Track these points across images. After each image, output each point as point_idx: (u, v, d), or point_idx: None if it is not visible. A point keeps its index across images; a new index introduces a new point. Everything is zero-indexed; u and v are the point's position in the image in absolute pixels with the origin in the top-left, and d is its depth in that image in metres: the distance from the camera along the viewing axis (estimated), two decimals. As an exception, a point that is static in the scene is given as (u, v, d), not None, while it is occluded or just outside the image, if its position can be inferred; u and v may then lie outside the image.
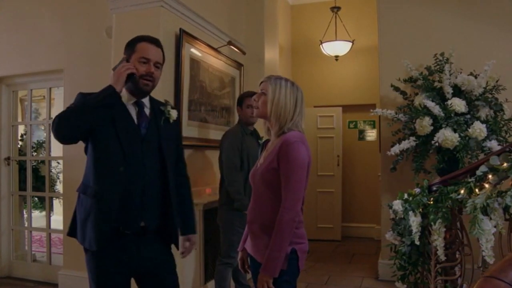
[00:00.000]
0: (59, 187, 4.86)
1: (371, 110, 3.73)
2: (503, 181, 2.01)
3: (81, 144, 2.11)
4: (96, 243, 1.69)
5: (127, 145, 1.73)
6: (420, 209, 2.27)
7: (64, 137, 1.70)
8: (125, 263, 1.75)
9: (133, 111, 1.81)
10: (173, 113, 1.92)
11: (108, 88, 1.70)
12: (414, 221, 2.22)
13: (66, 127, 1.66)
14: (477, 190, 2.01)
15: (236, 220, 2.99)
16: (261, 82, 1.82)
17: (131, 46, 1.81)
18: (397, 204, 2.39)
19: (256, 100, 1.80)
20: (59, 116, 1.67)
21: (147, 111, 1.85)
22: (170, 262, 1.90)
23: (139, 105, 1.83)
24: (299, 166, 1.67)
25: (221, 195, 3.14)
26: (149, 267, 1.82)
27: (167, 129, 1.89)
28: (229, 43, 3.93)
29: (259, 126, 2.22)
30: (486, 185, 1.99)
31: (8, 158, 4.09)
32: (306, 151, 1.71)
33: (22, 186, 4.17)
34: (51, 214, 4.09)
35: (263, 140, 2.02)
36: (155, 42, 1.83)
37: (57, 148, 4.10)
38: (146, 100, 1.86)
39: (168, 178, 1.83)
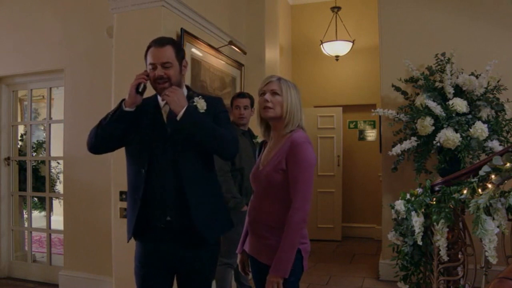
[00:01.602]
0: (59, 187, 4.84)
1: (373, 110, 3.73)
2: (506, 181, 2.01)
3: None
4: (127, 236, 1.88)
5: (149, 148, 1.80)
6: (423, 209, 2.26)
7: (91, 150, 1.86)
8: (155, 256, 1.82)
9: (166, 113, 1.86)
10: (200, 103, 1.83)
11: (118, 103, 1.80)
12: (417, 221, 2.21)
13: (89, 141, 1.83)
14: (480, 190, 2.02)
15: (235, 219, 2.97)
16: (268, 82, 1.77)
17: (145, 56, 1.83)
18: (400, 204, 2.38)
19: (268, 100, 1.74)
20: (91, 130, 1.84)
21: None
22: (192, 264, 1.84)
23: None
24: (308, 166, 1.67)
25: None
26: (176, 265, 1.84)
27: None
28: (230, 43, 3.92)
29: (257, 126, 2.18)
30: (489, 185, 1.99)
31: (8, 158, 4.08)
32: (313, 152, 1.72)
33: (22, 186, 4.15)
34: (51, 215, 4.07)
35: (260, 140, 2.01)
36: (158, 42, 1.80)
37: (57, 148, 4.08)
38: None
39: (182, 174, 1.77)
